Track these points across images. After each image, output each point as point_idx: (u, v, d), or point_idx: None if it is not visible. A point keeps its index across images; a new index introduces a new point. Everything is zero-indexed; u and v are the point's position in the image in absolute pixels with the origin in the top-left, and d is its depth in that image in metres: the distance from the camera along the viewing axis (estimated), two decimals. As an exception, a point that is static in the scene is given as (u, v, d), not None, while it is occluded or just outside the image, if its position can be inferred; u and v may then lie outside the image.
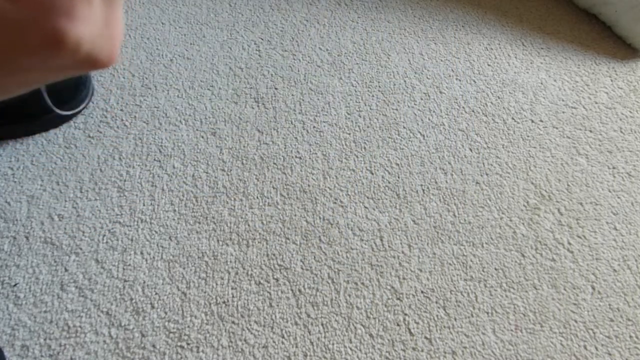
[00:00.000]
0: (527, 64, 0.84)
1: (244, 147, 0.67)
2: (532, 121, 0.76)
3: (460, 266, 0.59)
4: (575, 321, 0.57)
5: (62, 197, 0.59)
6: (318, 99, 0.73)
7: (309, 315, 0.54)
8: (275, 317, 0.54)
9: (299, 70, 0.77)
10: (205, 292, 0.54)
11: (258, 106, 0.72)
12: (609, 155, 0.73)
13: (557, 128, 0.76)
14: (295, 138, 0.69)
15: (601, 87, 0.82)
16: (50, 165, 0.62)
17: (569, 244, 0.63)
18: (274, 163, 0.66)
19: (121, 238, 0.57)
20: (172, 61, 0.76)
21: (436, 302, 0.56)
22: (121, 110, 0.69)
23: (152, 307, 0.53)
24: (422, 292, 0.57)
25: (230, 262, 0.57)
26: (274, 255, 0.58)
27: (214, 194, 0.62)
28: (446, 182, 0.67)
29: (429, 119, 0.74)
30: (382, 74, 0.79)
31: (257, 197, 0.62)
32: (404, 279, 0.58)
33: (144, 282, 0.54)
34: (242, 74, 0.75)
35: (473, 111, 0.76)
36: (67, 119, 0.66)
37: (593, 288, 0.60)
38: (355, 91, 0.75)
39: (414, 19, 0.89)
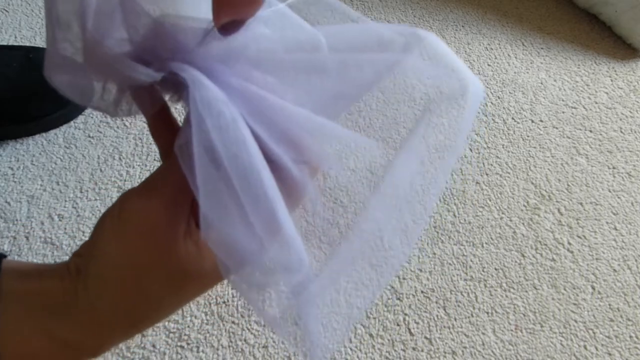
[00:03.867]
0: (527, 64, 0.84)
1: (244, 147, 0.67)
2: (532, 121, 0.76)
3: (460, 266, 0.59)
4: (575, 321, 0.57)
5: (62, 197, 0.59)
6: (318, 99, 0.73)
7: (309, 315, 0.54)
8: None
9: (299, 70, 0.77)
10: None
11: (258, 106, 0.72)
12: (609, 155, 0.73)
13: (557, 128, 0.76)
14: (295, 138, 0.68)
15: (601, 87, 0.82)
16: (50, 165, 0.62)
17: (569, 244, 0.63)
18: (274, 163, 0.66)
19: (121, 238, 0.57)
20: (172, 61, 0.76)
21: (436, 302, 0.56)
22: (121, 110, 0.69)
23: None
24: (422, 292, 0.57)
25: (230, 262, 0.57)
26: (274, 255, 0.58)
27: (214, 194, 0.62)
28: (446, 182, 0.67)
29: (429, 119, 0.74)
30: (382, 74, 0.79)
31: (257, 197, 0.62)
32: (404, 279, 0.58)
33: (144, 282, 0.54)
34: (242, 74, 0.75)
35: (473, 111, 0.76)
36: (68, 119, 0.66)
37: (593, 288, 0.60)
38: (355, 91, 0.75)
39: (414, 19, 0.89)
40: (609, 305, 0.58)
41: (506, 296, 0.58)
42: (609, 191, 0.69)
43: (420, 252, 0.60)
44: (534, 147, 0.73)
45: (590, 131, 0.76)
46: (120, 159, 0.64)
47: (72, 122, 0.66)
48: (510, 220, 0.64)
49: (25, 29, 0.76)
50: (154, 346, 0.50)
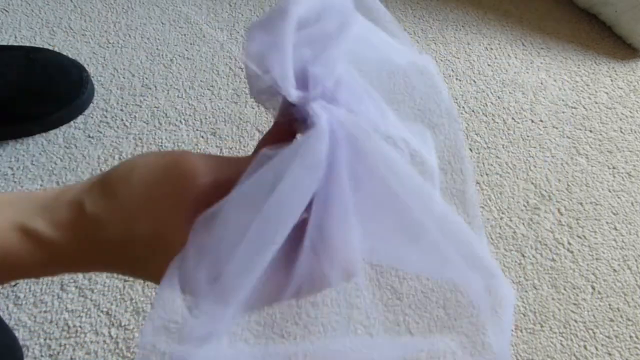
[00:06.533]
0: (527, 64, 0.84)
1: (244, 147, 0.67)
2: (532, 121, 0.76)
3: (460, 266, 0.59)
4: (575, 321, 0.57)
5: (62, 197, 0.59)
6: (318, 99, 0.73)
7: (308, 315, 0.54)
8: (276, 317, 0.54)
9: (299, 70, 0.77)
10: (205, 292, 0.54)
11: (258, 106, 0.72)
12: (609, 155, 0.73)
13: (557, 128, 0.76)
14: (295, 138, 0.68)
15: (601, 87, 0.82)
16: (50, 165, 0.62)
17: (569, 244, 0.63)
18: (274, 163, 0.66)
19: (121, 238, 0.57)
20: (172, 61, 0.76)
21: (436, 302, 0.56)
22: (121, 110, 0.69)
23: (152, 307, 0.53)
24: (422, 292, 0.57)
25: (230, 262, 0.57)
26: (274, 255, 0.58)
27: (214, 194, 0.62)
28: (446, 182, 0.67)
29: (429, 119, 0.74)
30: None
31: (257, 197, 0.62)
32: (404, 279, 0.58)
33: (144, 282, 0.54)
34: (242, 74, 0.75)
35: (473, 111, 0.76)
36: (68, 119, 0.66)
37: (593, 288, 0.60)
38: (355, 91, 0.75)
39: (414, 19, 0.89)
40: (609, 305, 0.58)
41: (506, 296, 0.58)
42: (609, 191, 0.69)
43: (420, 252, 0.60)
44: (534, 147, 0.73)
45: (590, 131, 0.76)
46: (120, 159, 0.64)
47: (72, 122, 0.66)
48: (510, 220, 0.64)
49: (25, 29, 0.76)
50: (154, 346, 0.50)
